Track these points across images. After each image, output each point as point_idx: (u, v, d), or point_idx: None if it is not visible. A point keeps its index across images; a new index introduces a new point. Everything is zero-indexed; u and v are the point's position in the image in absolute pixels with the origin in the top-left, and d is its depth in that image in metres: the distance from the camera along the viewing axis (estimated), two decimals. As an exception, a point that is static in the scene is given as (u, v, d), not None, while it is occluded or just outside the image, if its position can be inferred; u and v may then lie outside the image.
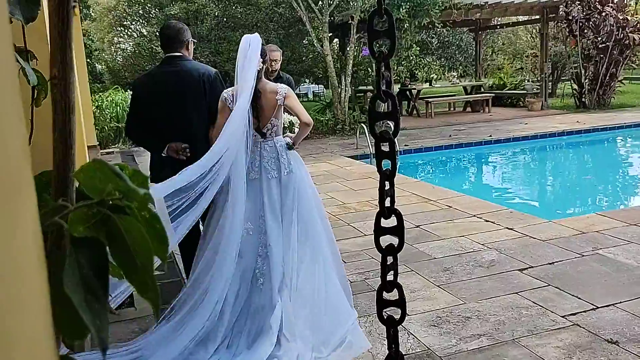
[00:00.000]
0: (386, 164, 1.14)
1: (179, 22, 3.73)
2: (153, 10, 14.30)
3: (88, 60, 14.32)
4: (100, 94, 13.18)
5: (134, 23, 15.35)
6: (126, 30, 15.56)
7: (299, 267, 3.24)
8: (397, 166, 1.15)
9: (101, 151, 10.79)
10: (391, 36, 1.06)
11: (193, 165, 2.98)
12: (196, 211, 3.01)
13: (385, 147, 1.13)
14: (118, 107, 12.26)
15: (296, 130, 3.67)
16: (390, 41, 1.07)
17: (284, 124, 3.62)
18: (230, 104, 3.26)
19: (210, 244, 3.19)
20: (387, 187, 1.13)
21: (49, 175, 0.69)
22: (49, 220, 0.58)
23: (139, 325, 3.59)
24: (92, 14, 16.71)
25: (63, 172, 0.65)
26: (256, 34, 3.41)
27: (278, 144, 3.40)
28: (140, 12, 14.67)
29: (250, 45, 3.22)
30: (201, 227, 3.43)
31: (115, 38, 15.48)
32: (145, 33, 14.70)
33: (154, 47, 13.61)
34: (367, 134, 9.72)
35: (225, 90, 3.38)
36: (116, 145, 12.20)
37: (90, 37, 16.76)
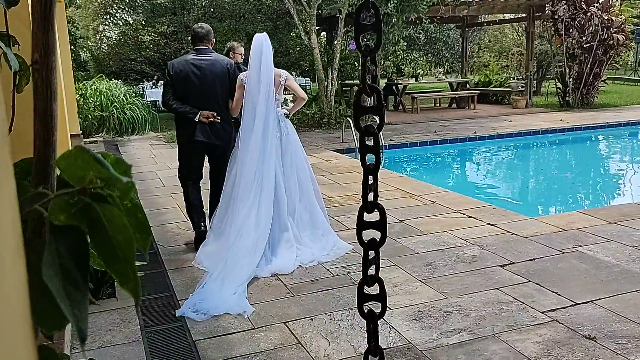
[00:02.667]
0: (370, 158, 1.14)
1: (206, 24, 4.98)
2: (139, -1, 14.13)
3: (72, 47, 14.10)
4: (85, 82, 13.00)
5: (119, 11, 15.11)
6: (112, 19, 15.32)
7: (299, 202, 4.63)
8: (382, 161, 1.15)
9: (84, 140, 10.66)
10: (378, 30, 1.06)
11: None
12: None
13: (369, 142, 1.12)
14: (102, 96, 12.09)
15: (290, 105, 4.84)
16: (377, 35, 1.06)
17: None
18: (244, 82, 4.52)
19: (229, 191, 4.50)
20: (370, 182, 1.13)
21: (30, 162, 0.67)
22: (29, 207, 0.57)
23: (120, 315, 3.57)
24: (78, 0, 16.45)
25: (44, 159, 0.63)
26: (264, 33, 4.58)
27: (279, 114, 4.57)
28: (127, 0, 14.46)
29: (264, 44, 4.43)
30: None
31: (101, 26, 15.23)
32: (131, 22, 14.48)
33: (140, 36, 13.44)
34: (352, 128, 9.73)
35: (241, 73, 4.65)
36: (99, 135, 12.07)
37: (75, 25, 16.49)
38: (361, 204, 1.14)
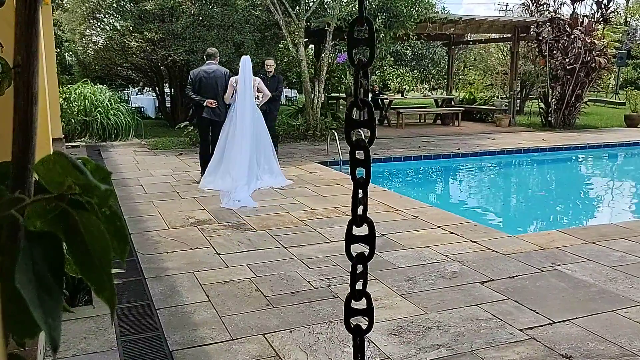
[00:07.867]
0: (359, 171, 1.13)
1: (215, 48, 8.51)
2: (127, 5, 13.99)
3: (57, 50, 13.97)
4: (69, 86, 12.86)
5: (107, 16, 14.98)
6: (99, 23, 15.18)
7: (263, 158, 7.83)
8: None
9: (67, 144, 10.53)
10: (371, 45, 1.06)
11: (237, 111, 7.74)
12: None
13: (360, 155, 1.12)
14: (86, 101, 11.96)
15: (261, 99, 7.99)
16: (370, 50, 1.07)
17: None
18: (234, 84, 7.64)
19: (222, 146, 7.70)
20: (360, 195, 1.13)
21: (8, 166, 0.66)
22: (4, 212, 0.56)
23: (96, 323, 3.51)
24: (65, 4, 16.30)
25: (22, 163, 0.62)
26: (248, 55, 8.09)
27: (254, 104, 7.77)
28: (115, 5, 14.32)
29: (247, 63, 7.70)
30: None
31: (88, 30, 15.08)
32: (118, 27, 14.37)
33: (127, 42, 13.34)
34: (337, 141, 9.76)
35: (232, 77, 7.76)
36: (82, 139, 11.94)
37: (61, 28, 16.34)
38: (350, 217, 1.13)
